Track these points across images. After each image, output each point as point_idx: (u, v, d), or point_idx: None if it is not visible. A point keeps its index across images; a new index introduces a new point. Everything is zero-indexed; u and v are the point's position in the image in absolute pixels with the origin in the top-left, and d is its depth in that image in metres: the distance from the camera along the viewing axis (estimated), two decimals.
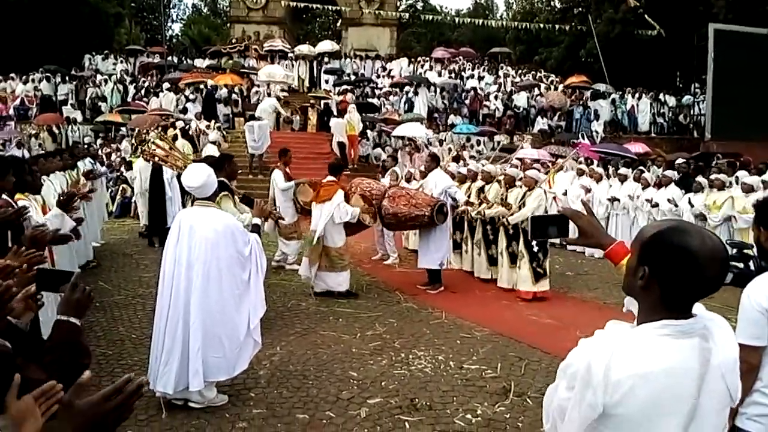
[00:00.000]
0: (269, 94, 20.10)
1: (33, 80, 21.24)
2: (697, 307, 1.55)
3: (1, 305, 1.53)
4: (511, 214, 7.68)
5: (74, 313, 1.78)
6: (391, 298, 7.41)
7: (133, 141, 15.59)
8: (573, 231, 2.01)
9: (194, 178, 4.27)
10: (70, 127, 18.85)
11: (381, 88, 22.95)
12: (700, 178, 9.72)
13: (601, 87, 21.82)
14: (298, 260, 8.60)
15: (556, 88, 22.73)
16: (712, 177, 9.49)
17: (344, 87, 21.90)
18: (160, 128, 14.78)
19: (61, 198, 4.71)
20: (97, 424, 1.25)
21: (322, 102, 20.07)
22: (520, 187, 7.92)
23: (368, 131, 18.70)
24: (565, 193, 11.20)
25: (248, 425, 4.08)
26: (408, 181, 9.88)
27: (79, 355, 1.78)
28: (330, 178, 7.45)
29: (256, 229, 4.60)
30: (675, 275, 1.45)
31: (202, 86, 20.02)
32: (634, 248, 1.57)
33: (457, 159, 12.64)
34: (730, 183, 9.29)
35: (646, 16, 23.84)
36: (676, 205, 9.41)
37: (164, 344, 4.17)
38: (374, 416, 4.24)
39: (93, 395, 1.27)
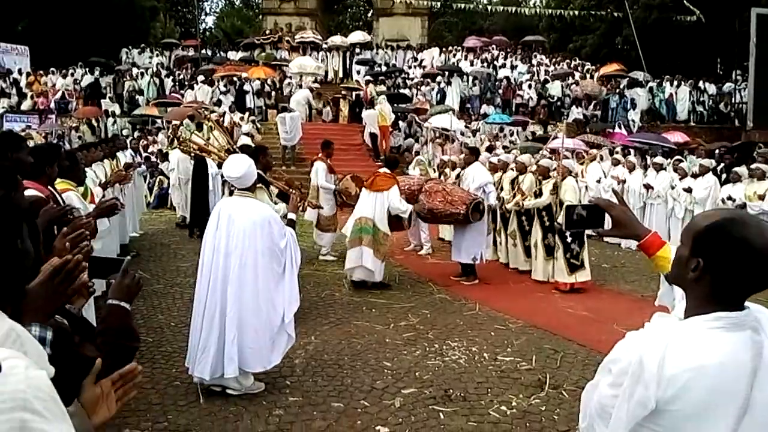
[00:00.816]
0: (301, 86, 20.23)
1: (72, 74, 21.78)
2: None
3: (69, 282, 1.59)
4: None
5: (125, 298, 1.84)
6: (424, 288, 7.42)
7: (169, 134, 15.88)
8: (607, 222, 1.98)
9: (235, 168, 4.33)
10: (108, 119, 19.29)
11: (412, 79, 22.86)
12: (738, 169, 9.46)
13: (639, 75, 21.31)
14: (332, 252, 8.72)
15: (591, 77, 22.30)
16: (753, 166, 9.22)
17: (366, 77, 21.81)
18: (194, 122, 15.05)
19: (102, 201, 4.88)
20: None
21: (354, 93, 20.11)
22: (554, 177, 7.83)
23: (400, 122, 18.66)
24: (598, 181, 11.01)
25: (284, 413, 4.15)
26: (442, 170, 9.84)
27: (129, 338, 1.84)
28: (385, 170, 7.51)
29: (291, 224, 4.62)
30: (733, 268, 1.41)
31: (235, 78, 20.25)
32: (685, 239, 1.52)
33: (490, 149, 12.54)
34: None
35: (685, 1, 23.16)
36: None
37: (202, 331, 4.27)
38: (408, 406, 4.26)
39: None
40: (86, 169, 6.35)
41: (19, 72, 21.98)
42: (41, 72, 22.04)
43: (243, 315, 4.25)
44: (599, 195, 10.73)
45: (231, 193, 4.81)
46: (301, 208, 7.48)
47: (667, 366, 1.39)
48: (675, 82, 20.92)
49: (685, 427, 1.41)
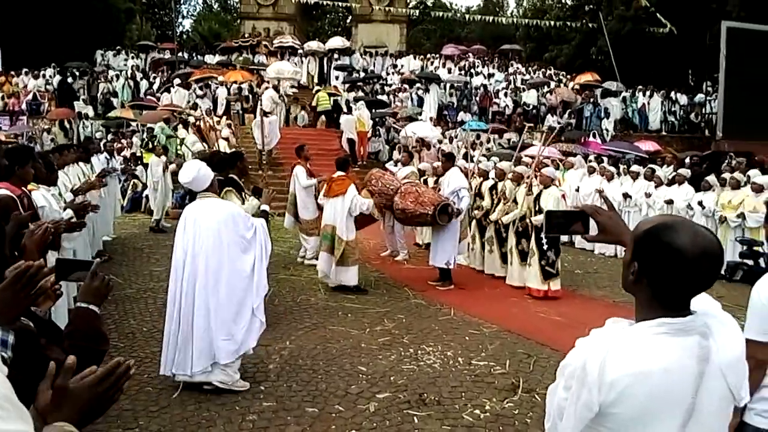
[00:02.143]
0: (273, 88, 20.11)
1: (44, 75, 21.40)
2: (704, 304, 1.54)
3: (31, 286, 1.57)
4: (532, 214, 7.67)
5: (93, 301, 1.82)
6: (400, 294, 7.43)
7: (144, 137, 15.68)
8: (593, 228, 1.99)
9: (186, 174, 4.53)
10: (81, 122, 18.98)
11: (391, 85, 22.94)
12: (709, 178, 9.69)
13: (612, 85, 21.70)
14: (317, 255, 8.66)
15: (566, 86, 22.63)
16: (726, 176, 9.45)
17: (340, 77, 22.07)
18: (170, 126, 14.94)
19: (74, 202, 4.85)
20: (93, 405, 1.29)
21: (331, 98, 20.09)
22: (521, 184, 7.94)
23: (379, 128, 18.72)
24: (577, 190, 11.17)
25: (258, 418, 4.12)
26: (422, 176, 9.89)
27: (97, 341, 1.81)
28: (339, 173, 7.51)
29: (264, 214, 4.82)
30: (662, 273, 1.45)
31: (211, 82, 20.10)
32: (629, 243, 1.57)
33: (466, 156, 12.62)
34: (745, 182, 9.25)
35: (657, 14, 23.69)
36: (690, 207, 9.37)
37: (179, 331, 4.38)
38: (383, 411, 4.26)
39: (86, 378, 1.30)
40: (59, 172, 6.26)
41: None
42: (12, 72, 21.61)
43: (214, 308, 4.38)
44: (578, 203, 10.88)
45: (193, 198, 4.94)
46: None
47: (607, 371, 1.42)
48: (648, 93, 21.37)
49: (631, 429, 1.44)
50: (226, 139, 15.33)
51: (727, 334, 1.48)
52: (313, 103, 19.69)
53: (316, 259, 8.61)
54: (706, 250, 1.42)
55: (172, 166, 11.73)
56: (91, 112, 19.77)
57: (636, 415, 1.42)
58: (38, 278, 1.57)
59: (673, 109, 21.49)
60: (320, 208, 8.69)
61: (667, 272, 1.44)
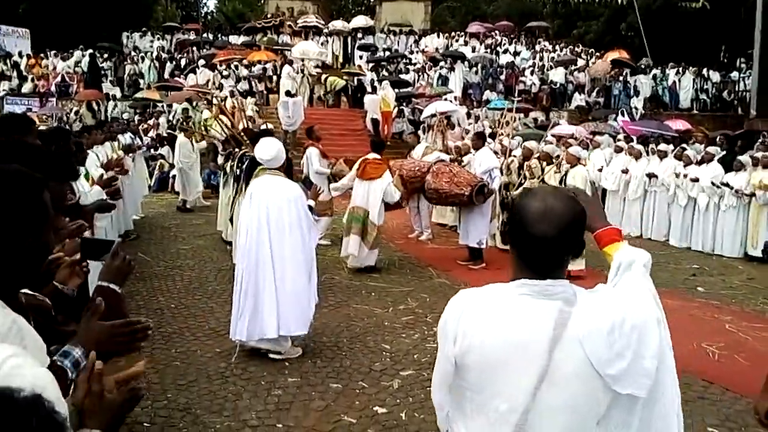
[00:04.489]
0: (288, 64, 20.04)
1: (74, 57, 21.67)
2: (621, 285, 1.59)
3: (48, 273, 1.61)
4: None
5: (114, 280, 1.80)
6: (423, 273, 7.44)
7: (179, 117, 15.79)
8: None
9: (267, 151, 4.73)
10: (109, 103, 19.24)
11: (415, 64, 22.73)
12: (742, 157, 9.42)
13: (642, 62, 21.18)
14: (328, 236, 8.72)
15: (594, 63, 22.15)
16: (759, 155, 9.19)
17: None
18: (194, 106, 15.03)
19: (103, 177, 4.96)
20: (120, 412, 1.33)
21: (356, 78, 20.00)
22: (556, 163, 7.81)
23: (404, 108, 18.60)
24: (600, 170, 10.97)
25: (283, 392, 4.18)
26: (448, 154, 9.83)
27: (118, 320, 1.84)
28: (374, 155, 7.48)
29: (310, 209, 4.96)
30: (513, 233, 1.52)
31: (236, 63, 20.15)
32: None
33: (492, 136, 12.49)
34: None
35: None
36: (718, 186, 9.13)
37: (243, 300, 4.63)
38: (407, 388, 4.29)
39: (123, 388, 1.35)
40: (87, 151, 6.37)
41: (20, 55, 21.84)
42: (42, 55, 21.94)
43: (280, 282, 4.60)
44: (601, 182, 10.72)
45: (251, 176, 5.17)
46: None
47: (462, 322, 1.50)
48: (679, 70, 20.79)
49: (486, 382, 1.49)
50: (251, 119, 15.41)
51: (596, 306, 1.49)
52: (328, 90, 19.56)
53: (326, 240, 8.68)
54: (546, 211, 1.45)
55: (202, 144, 11.81)
56: (118, 93, 20.02)
57: (486, 366, 1.47)
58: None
59: (705, 86, 20.88)
60: (331, 185, 8.71)
61: (512, 230, 1.52)
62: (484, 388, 1.49)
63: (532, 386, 1.44)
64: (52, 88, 20.22)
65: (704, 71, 21.15)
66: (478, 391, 1.50)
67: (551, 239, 1.45)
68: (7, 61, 21.34)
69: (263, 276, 4.59)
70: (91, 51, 21.48)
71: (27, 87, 20.27)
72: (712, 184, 9.14)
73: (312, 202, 4.99)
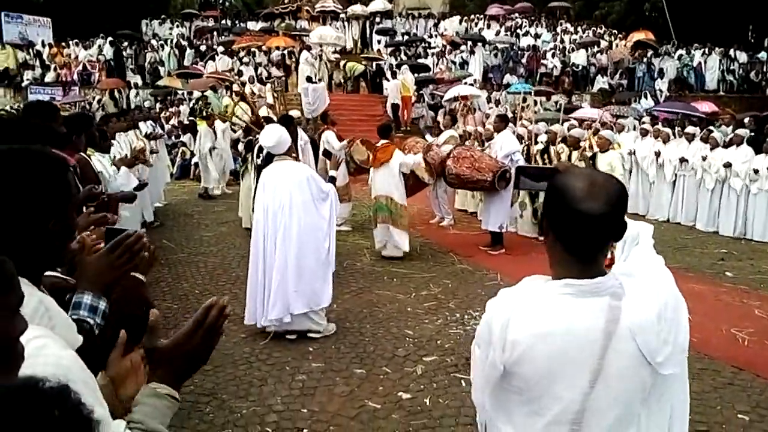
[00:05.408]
0: (305, 49, 19.97)
1: (95, 46, 21.84)
2: (637, 261, 1.52)
3: (130, 253, 1.59)
4: None
5: (138, 269, 1.82)
6: (445, 259, 7.41)
7: (198, 104, 15.87)
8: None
9: (269, 137, 4.80)
10: (131, 91, 19.40)
11: (434, 48, 22.52)
12: None
13: (667, 43, 20.74)
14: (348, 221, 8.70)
15: (617, 46, 21.74)
16: None
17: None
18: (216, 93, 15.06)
19: (127, 157, 5.05)
20: (191, 360, 1.29)
21: (374, 63, 19.89)
22: (577, 149, 7.69)
23: (424, 93, 18.47)
24: (630, 153, 10.73)
25: (307, 378, 4.21)
26: (465, 141, 9.74)
27: (141, 308, 1.83)
28: (382, 141, 7.45)
29: (332, 180, 5.09)
30: (555, 216, 1.42)
31: (254, 49, 20.14)
32: None
33: (513, 120, 12.36)
34: None
35: None
36: (756, 172, 8.88)
37: (265, 282, 4.74)
38: (430, 373, 4.29)
39: (177, 333, 1.32)
40: (111, 141, 6.45)
41: (42, 44, 22.10)
42: (63, 44, 22.15)
43: (298, 261, 4.72)
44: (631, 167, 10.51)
45: (266, 162, 5.31)
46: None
47: (510, 331, 1.42)
48: (704, 50, 20.31)
49: (537, 386, 1.44)
50: (271, 106, 15.42)
51: (642, 296, 1.43)
52: (348, 75, 19.45)
53: (347, 226, 8.67)
54: (595, 188, 1.36)
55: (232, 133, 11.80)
56: (139, 82, 20.17)
57: (539, 374, 1.42)
58: (136, 248, 1.58)
59: (731, 67, 20.39)
60: (351, 173, 8.67)
61: (558, 214, 1.41)
62: (536, 392, 1.45)
63: (587, 386, 1.42)
64: (75, 77, 20.42)
65: (731, 51, 20.64)
66: (529, 395, 1.46)
67: (601, 216, 1.35)
68: (30, 50, 21.58)
69: (282, 255, 4.69)
70: (111, 39, 21.62)
71: (50, 76, 20.51)
72: (755, 171, 8.85)
73: (334, 172, 5.18)
